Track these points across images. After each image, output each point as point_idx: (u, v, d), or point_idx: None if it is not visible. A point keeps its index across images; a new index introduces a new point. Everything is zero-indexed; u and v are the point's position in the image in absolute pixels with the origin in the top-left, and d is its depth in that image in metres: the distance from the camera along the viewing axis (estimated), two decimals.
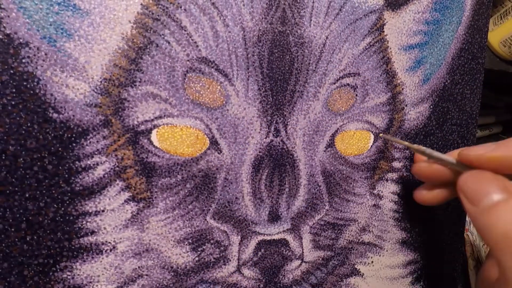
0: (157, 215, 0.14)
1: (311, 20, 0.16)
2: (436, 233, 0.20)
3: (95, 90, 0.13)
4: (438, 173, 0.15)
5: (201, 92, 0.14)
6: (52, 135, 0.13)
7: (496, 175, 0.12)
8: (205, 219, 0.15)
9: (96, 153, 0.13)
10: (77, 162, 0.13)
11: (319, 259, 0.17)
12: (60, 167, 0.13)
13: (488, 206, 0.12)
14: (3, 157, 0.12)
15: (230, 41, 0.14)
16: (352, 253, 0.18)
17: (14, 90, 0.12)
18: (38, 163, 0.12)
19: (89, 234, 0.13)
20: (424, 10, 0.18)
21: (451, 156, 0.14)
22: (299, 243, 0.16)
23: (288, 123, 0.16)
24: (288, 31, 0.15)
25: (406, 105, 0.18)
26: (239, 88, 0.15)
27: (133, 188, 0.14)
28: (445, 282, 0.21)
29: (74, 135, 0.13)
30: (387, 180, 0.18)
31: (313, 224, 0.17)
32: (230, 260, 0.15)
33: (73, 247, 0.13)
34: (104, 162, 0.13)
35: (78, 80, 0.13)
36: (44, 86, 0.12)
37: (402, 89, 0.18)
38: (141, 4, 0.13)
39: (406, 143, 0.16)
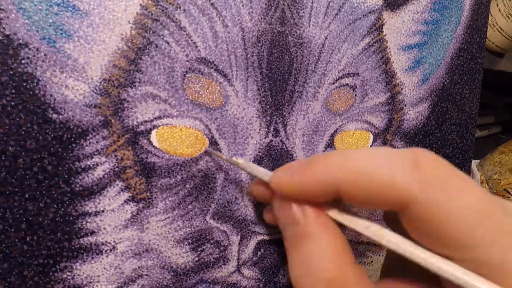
0: (157, 215, 0.14)
1: (310, 20, 0.16)
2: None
3: (95, 90, 0.13)
4: (267, 196, 0.12)
5: (201, 93, 0.14)
6: (52, 135, 0.13)
7: (296, 206, 0.10)
8: (205, 219, 0.15)
9: (95, 153, 0.13)
10: (76, 163, 0.13)
11: None
12: (60, 168, 0.13)
13: (289, 245, 0.10)
14: (3, 158, 0.12)
15: (229, 41, 0.14)
16: None
17: (13, 91, 0.12)
18: (38, 164, 0.12)
19: (89, 234, 0.13)
20: (423, 10, 0.18)
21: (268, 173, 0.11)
22: None
23: (288, 123, 0.16)
24: (287, 32, 0.15)
25: (405, 105, 0.18)
26: (238, 89, 0.15)
27: (133, 188, 0.14)
28: None
29: (73, 135, 0.13)
30: None
31: None
32: (229, 260, 0.15)
33: (73, 248, 0.13)
34: (103, 162, 0.13)
35: (78, 81, 0.13)
36: (43, 87, 0.12)
37: (401, 89, 0.18)
38: (140, 4, 0.13)
39: (223, 156, 0.14)
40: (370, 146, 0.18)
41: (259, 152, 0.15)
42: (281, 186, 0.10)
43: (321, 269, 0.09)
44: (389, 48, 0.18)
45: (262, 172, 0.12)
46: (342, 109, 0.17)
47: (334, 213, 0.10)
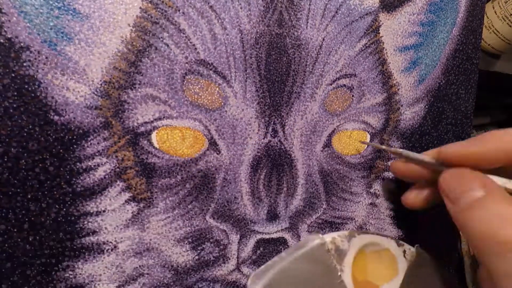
0: (157, 215, 0.14)
1: (307, 22, 0.16)
2: (432, 231, 0.20)
3: (96, 92, 0.13)
4: (415, 170, 0.15)
5: (200, 94, 0.14)
6: (53, 137, 0.13)
7: (474, 172, 0.12)
8: (205, 219, 0.15)
9: (96, 154, 0.13)
10: (78, 164, 0.13)
11: None
12: (62, 169, 0.13)
13: (467, 205, 0.12)
14: (5, 159, 0.12)
15: (228, 43, 0.15)
16: None
17: (15, 93, 0.12)
18: (40, 165, 0.13)
19: (91, 234, 0.13)
20: (419, 11, 0.18)
21: (428, 156, 0.14)
22: (297, 241, 0.17)
23: (286, 123, 0.16)
24: (285, 33, 0.16)
25: (401, 105, 0.19)
26: (237, 90, 0.15)
27: (134, 188, 0.14)
28: None
29: (75, 137, 0.13)
30: (383, 179, 0.19)
31: (311, 222, 0.17)
32: (229, 259, 0.15)
33: (75, 247, 0.13)
34: (104, 163, 0.13)
35: (79, 83, 0.13)
36: (45, 89, 0.12)
37: (398, 89, 0.18)
38: (140, 7, 0.13)
39: (383, 147, 0.16)
40: (367, 146, 0.18)
41: (257, 152, 0.16)
42: (455, 155, 0.12)
43: (508, 228, 0.10)
44: (386, 49, 0.18)
45: (422, 156, 0.14)
46: (340, 109, 0.17)
47: (499, 181, 0.12)
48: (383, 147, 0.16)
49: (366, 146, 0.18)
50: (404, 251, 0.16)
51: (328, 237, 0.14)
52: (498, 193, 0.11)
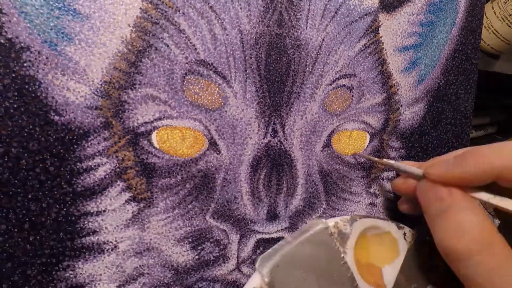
0: (158, 215, 0.14)
1: (307, 22, 0.16)
2: (430, 231, 0.20)
3: (96, 92, 0.13)
4: (412, 188, 0.15)
5: (200, 94, 0.15)
6: (54, 137, 0.13)
7: (447, 186, 0.12)
8: (205, 218, 0.15)
9: (97, 154, 0.13)
10: (78, 164, 0.13)
11: None
12: (62, 169, 0.13)
13: (434, 214, 0.12)
14: (6, 159, 0.12)
15: (228, 43, 0.15)
16: None
17: (16, 93, 0.12)
18: (40, 165, 0.13)
19: (91, 234, 0.13)
20: (418, 12, 0.18)
21: (418, 168, 0.14)
22: None
23: (286, 123, 0.16)
24: (284, 34, 0.16)
25: (401, 105, 0.19)
26: (237, 90, 0.15)
27: (134, 188, 0.14)
28: None
29: (75, 137, 0.13)
30: (383, 179, 0.19)
31: None
32: (229, 258, 0.16)
33: (75, 247, 0.13)
34: (105, 163, 0.13)
35: (79, 83, 0.13)
36: (45, 89, 0.13)
37: (397, 89, 0.18)
38: (140, 8, 0.13)
39: (376, 159, 0.17)
40: (367, 146, 0.18)
41: (257, 152, 0.16)
42: (441, 178, 0.12)
43: (471, 232, 0.11)
44: (385, 50, 0.18)
45: (411, 168, 0.15)
46: (339, 109, 0.17)
47: (477, 194, 0.12)
48: (376, 159, 0.17)
49: (366, 146, 0.18)
50: (405, 233, 0.16)
51: (331, 221, 0.15)
52: (462, 204, 0.12)
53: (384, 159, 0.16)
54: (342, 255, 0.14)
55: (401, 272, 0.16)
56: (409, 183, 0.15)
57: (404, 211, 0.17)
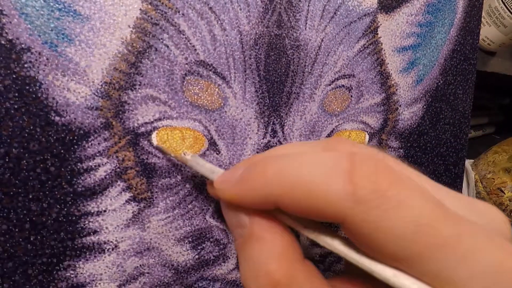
0: (158, 215, 0.14)
1: (306, 23, 0.16)
2: None
3: (96, 93, 0.13)
4: None
5: (200, 95, 0.15)
6: (54, 137, 0.13)
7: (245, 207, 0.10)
8: (205, 218, 0.15)
9: (97, 155, 0.13)
10: (79, 164, 0.13)
11: (316, 256, 0.18)
12: (63, 169, 0.13)
13: (236, 248, 0.10)
14: (7, 160, 0.12)
15: (228, 44, 0.15)
16: None
17: (16, 94, 0.12)
18: (41, 165, 0.13)
19: (92, 233, 0.13)
20: (417, 12, 0.19)
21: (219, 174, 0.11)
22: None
23: (285, 124, 0.16)
24: (284, 34, 0.16)
25: (400, 106, 0.19)
26: (236, 90, 0.15)
27: (134, 188, 0.14)
28: None
29: (75, 137, 0.13)
30: None
31: None
32: (229, 258, 0.16)
33: (76, 247, 0.13)
34: (105, 163, 0.13)
35: (79, 84, 0.13)
36: (46, 90, 0.13)
37: (396, 90, 0.19)
38: (140, 9, 0.14)
39: (172, 154, 0.13)
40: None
41: (257, 152, 0.16)
42: (223, 195, 0.10)
43: (267, 271, 0.09)
44: (384, 50, 0.18)
45: (209, 170, 0.12)
46: (338, 110, 0.17)
47: (281, 216, 0.10)
48: (172, 154, 0.13)
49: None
50: None
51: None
52: (260, 232, 0.09)
53: (180, 154, 0.13)
54: None
55: None
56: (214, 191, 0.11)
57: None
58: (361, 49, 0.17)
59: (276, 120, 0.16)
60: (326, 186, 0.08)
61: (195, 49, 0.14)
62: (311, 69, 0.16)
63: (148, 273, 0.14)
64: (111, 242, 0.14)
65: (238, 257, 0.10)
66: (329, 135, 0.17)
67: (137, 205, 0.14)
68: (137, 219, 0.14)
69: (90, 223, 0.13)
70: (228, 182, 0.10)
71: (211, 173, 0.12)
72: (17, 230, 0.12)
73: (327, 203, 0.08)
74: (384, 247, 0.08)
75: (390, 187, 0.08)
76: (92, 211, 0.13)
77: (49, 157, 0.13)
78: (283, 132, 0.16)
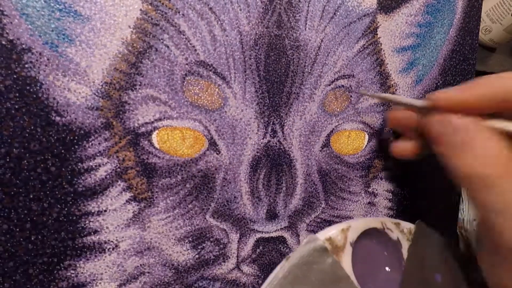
0: (158, 214, 0.14)
1: (306, 23, 0.16)
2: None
3: (97, 93, 0.13)
4: (408, 117, 0.14)
5: (200, 95, 0.15)
6: (55, 137, 0.13)
7: (459, 115, 0.12)
8: (205, 218, 0.15)
9: (98, 154, 0.13)
10: (79, 164, 0.13)
11: None
12: (63, 169, 0.13)
13: (452, 146, 0.12)
14: (8, 160, 0.12)
15: (228, 45, 0.15)
16: None
17: (17, 95, 0.12)
18: (42, 165, 0.13)
19: (92, 233, 0.14)
20: (416, 13, 0.19)
21: (419, 101, 0.14)
22: (296, 240, 0.17)
23: (285, 124, 0.16)
24: (284, 35, 0.16)
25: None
26: (236, 91, 0.15)
27: (135, 188, 0.14)
28: None
29: (76, 137, 0.13)
30: (381, 179, 0.19)
31: (310, 221, 0.17)
32: (229, 257, 0.16)
33: (76, 246, 0.13)
34: (106, 163, 0.14)
35: (80, 84, 0.13)
36: (46, 90, 0.13)
37: (396, 90, 0.19)
38: (141, 9, 0.14)
39: (376, 94, 0.16)
40: (365, 145, 0.18)
41: (257, 152, 0.16)
42: (450, 101, 0.12)
43: (499, 157, 0.11)
44: (384, 50, 0.18)
45: (413, 101, 0.14)
46: (338, 110, 0.17)
47: (490, 122, 0.12)
48: (376, 94, 0.16)
49: (364, 145, 0.18)
50: (403, 230, 0.16)
51: (323, 235, 0.15)
52: (482, 133, 0.11)
53: (382, 94, 0.15)
54: (342, 266, 0.14)
55: (406, 270, 0.15)
56: (410, 115, 0.14)
57: (402, 153, 0.16)
58: (361, 50, 0.17)
59: (276, 120, 0.16)
60: None
61: (195, 50, 0.14)
62: (311, 69, 0.16)
63: (148, 272, 0.14)
64: (112, 241, 0.14)
65: (454, 155, 0.12)
66: (328, 135, 0.17)
67: (138, 205, 0.14)
68: (137, 219, 0.14)
69: (91, 223, 0.13)
70: (454, 91, 0.12)
71: (414, 101, 0.14)
72: (18, 230, 0.13)
73: None
74: None
75: None
76: (93, 211, 0.13)
77: (49, 157, 0.13)
78: (283, 132, 0.16)
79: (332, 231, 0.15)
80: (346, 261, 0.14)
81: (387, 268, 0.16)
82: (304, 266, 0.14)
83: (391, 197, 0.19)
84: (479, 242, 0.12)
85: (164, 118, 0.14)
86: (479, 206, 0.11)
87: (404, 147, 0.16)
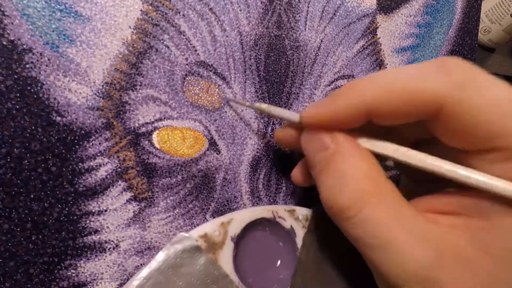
0: (158, 214, 0.15)
1: (306, 24, 0.16)
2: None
3: (97, 93, 0.13)
4: (292, 135, 0.13)
5: (200, 95, 0.15)
6: (56, 137, 0.13)
7: (330, 132, 0.10)
8: (205, 218, 0.15)
9: (98, 154, 0.13)
10: (80, 164, 0.13)
11: None
12: (64, 169, 0.13)
13: (319, 167, 0.10)
14: (9, 160, 0.12)
15: (228, 45, 0.15)
16: None
17: (18, 95, 0.12)
18: (42, 165, 0.13)
19: (93, 233, 0.14)
20: (415, 13, 0.19)
21: (294, 114, 0.12)
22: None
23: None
24: (284, 35, 0.16)
25: None
26: (236, 91, 0.15)
27: (135, 188, 0.14)
28: None
29: (77, 137, 0.13)
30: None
31: None
32: None
33: (77, 246, 0.13)
34: (106, 163, 0.14)
35: (81, 84, 0.13)
36: (47, 91, 0.13)
37: None
38: (141, 10, 0.14)
39: (245, 103, 0.14)
40: None
41: (257, 152, 0.16)
42: (313, 118, 0.11)
43: (356, 182, 0.09)
44: (383, 51, 0.18)
45: (288, 113, 0.12)
46: None
47: (362, 141, 0.10)
48: (245, 103, 0.14)
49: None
50: (297, 218, 0.14)
51: (196, 233, 0.13)
52: (346, 150, 0.10)
53: (256, 103, 0.14)
54: (220, 265, 0.12)
55: (299, 259, 0.14)
56: (289, 133, 0.12)
57: (296, 181, 0.14)
58: (360, 50, 0.17)
59: (276, 120, 0.16)
60: (423, 78, 0.09)
61: (196, 50, 0.14)
62: (310, 70, 0.16)
63: None
64: (112, 241, 0.14)
65: (319, 178, 0.10)
66: None
67: (138, 205, 0.14)
68: (137, 219, 0.14)
69: (91, 223, 0.14)
70: (317, 106, 0.10)
71: (290, 115, 0.12)
72: (18, 229, 0.13)
73: (425, 92, 0.09)
74: (480, 126, 0.08)
75: (480, 76, 0.09)
76: (93, 211, 0.14)
77: (50, 157, 0.13)
78: None
79: (208, 227, 0.13)
80: (225, 258, 0.13)
81: (278, 262, 0.14)
82: (168, 270, 0.12)
83: None
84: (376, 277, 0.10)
85: (164, 118, 0.14)
86: (351, 240, 0.10)
87: (297, 174, 0.14)
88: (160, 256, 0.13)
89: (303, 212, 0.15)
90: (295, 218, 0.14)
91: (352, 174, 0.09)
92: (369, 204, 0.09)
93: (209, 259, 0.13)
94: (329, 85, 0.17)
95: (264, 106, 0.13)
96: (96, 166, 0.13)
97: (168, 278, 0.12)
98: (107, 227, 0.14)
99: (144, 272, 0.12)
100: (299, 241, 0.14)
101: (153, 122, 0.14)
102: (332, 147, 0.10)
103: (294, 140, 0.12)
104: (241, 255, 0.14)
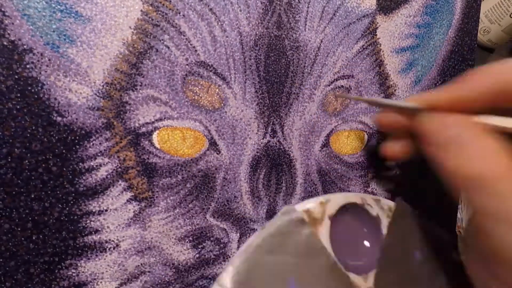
0: (159, 214, 0.15)
1: (306, 24, 0.16)
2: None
3: (98, 94, 0.13)
4: (397, 121, 0.14)
5: (200, 95, 0.15)
6: (56, 137, 0.13)
7: (451, 113, 0.11)
8: (205, 217, 0.15)
9: (99, 154, 0.14)
10: (80, 164, 0.13)
11: None
12: (64, 169, 0.13)
13: (442, 144, 0.11)
14: (9, 159, 0.12)
15: (228, 45, 0.15)
16: None
17: (19, 95, 0.12)
18: (43, 165, 0.13)
19: (93, 232, 0.14)
20: (415, 13, 0.19)
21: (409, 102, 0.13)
22: None
23: (285, 124, 0.16)
24: (283, 35, 0.16)
25: None
26: (236, 91, 0.15)
27: (135, 188, 0.14)
28: None
29: (77, 137, 0.13)
30: (380, 178, 0.19)
31: None
32: (229, 257, 0.16)
33: (77, 246, 0.13)
34: (106, 163, 0.14)
35: (81, 85, 0.13)
36: (48, 91, 0.13)
37: (395, 90, 0.19)
38: (141, 10, 0.14)
39: (360, 97, 0.16)
40: (365, 145, 0.18)
41: (257, 152, 0.16)
42: (442, 102, 0.12)
43: (496, 155, 0.10)
44: (383, 51, 0.18)
45: (403, 103, 0.14)
46: (338, 110, 0.17)
47: (484, 119, 0.11)
48: (360, 98, 0.16)
49: (364, 145, 0.18)
50: (383, 207, 0.16)
51: (301, 207, 0.14)
52: (474, 129, 0.11)
53: (370, 98, 0.15)
54: (320, 238, 0.14)
55: (385, 246, 0.15)
56: (399, 118, 0.14)
57: (389, 154, 0.15)
58: (360, 50, 0.17)
59: (276, 120, 0.16)
60: None
61: (196, 50, 0.14)
62: (310, 70, 0.16)
63: (149, 272, 0.15)
64: (112, 241, 0.14)
65: (446, 154, 0.11)
66: (328, 135, 0.17)
67: (138, 205, 0.14)
68: (138, 219, 0.14)
69: (92, 222, 0.14)
70: (442, 89, 0.12)
71: (405, 104, 0.13)
72: (19, 229, 0.13)
73: None
74: None
75: None
76: (94, 211, 0.14)
77: (51, 157, 0.13)
78: (282, 132, 0.16)
79: (310, 204, 0.15)
80: (323, 234, 0.14)
81: (366, 243, 0.15)
82: (280, 236, 0.14)
83: (390, 197, 0.19)
84: (467, 242, 0.11)
85: (164, 118, 0.14)
86: (472, 207, 0.11)
87: (393, 149, 0.15)
88: (273, 223, 0.14)
89: (387, 202, 0.16)
90: (381, 207, 0.16)
91: (490, 149, 0.10)
92: (509, 177, 0.09)
93: (312, 231, 0.14)
94: (329, 85, 0.17)
95: (380, 99, 0.15)
96: (97, 166, 0.13)
97: (279, 243, 0.14)
98: (108, 227, 0.14)
99: (263, 232, 0.13)
100: (383, 228, 0.15)
101: (153, 122, 0.14)
102: (460, 126, 0.11)
103: (398, 123, 0.14)
104: (332, 233, 0.15)
